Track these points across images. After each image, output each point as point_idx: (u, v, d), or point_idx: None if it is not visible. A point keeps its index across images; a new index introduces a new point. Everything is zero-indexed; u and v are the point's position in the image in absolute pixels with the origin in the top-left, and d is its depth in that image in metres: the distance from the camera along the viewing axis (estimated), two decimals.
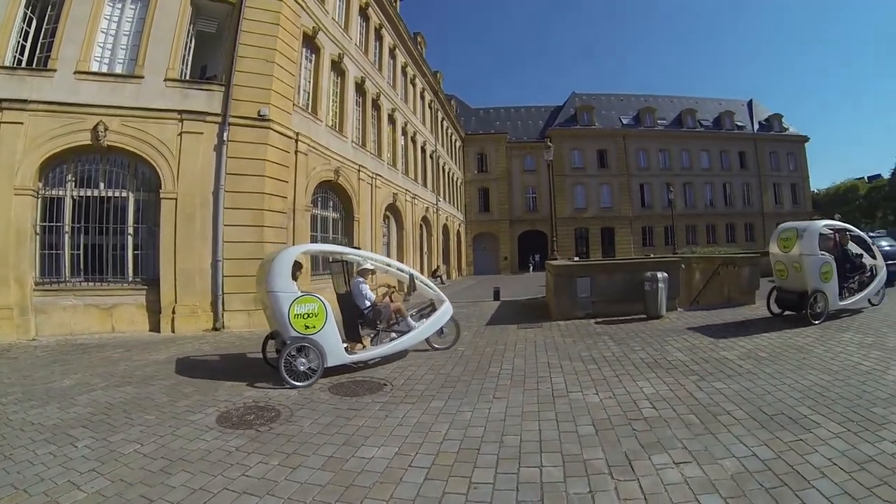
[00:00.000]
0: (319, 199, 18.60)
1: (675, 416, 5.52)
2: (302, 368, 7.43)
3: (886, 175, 78.38)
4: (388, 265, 9.94)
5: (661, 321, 12.05)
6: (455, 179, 48.91)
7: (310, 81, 18.29)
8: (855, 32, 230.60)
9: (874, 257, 12.03)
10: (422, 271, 31.78)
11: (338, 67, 20.32)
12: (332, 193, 19.87)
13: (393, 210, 26.70)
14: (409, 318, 9.30)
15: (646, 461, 4.38)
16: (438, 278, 32.65)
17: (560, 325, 12.04)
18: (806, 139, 63.82)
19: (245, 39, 14.44)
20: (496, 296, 20.20)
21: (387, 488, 4.12)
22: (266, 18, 14.81)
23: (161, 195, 13.36)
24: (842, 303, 11.05)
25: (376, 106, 25.00)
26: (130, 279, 13.39)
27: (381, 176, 23.99)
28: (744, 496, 3.80)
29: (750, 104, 65.98)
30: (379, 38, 26.76)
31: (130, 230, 13.46)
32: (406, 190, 28.95)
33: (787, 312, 11.47)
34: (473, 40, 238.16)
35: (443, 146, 43.07)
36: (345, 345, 8.17)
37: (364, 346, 8.70)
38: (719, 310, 13.33)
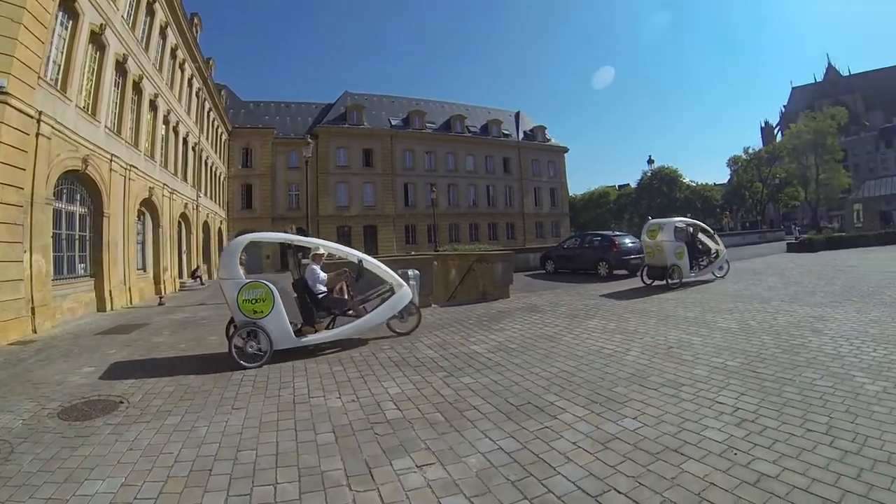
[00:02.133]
0: (64, 191, 16.26)
1: (419, 415, 5.47)
2: (251, 351, 8.24)
3: (634, 185, 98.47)
4: (338, 250, 10.41)
5: None
6: (218, 174, 46.25)
7: (62, 52, 15.84)
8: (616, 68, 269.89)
9: (718, 244, 17.69)
10: (180, 272, 29.89)
11: (98, 40, 18.19)
12: (80, 185, 17.36)
13: (149, 205, 24.55)
14: (359, 304, 9.82)
15: (387, 467, 4.31)
16: (198, 278, 31.30)
17: None
18: (566, 150, 75.55)
19: None
20: None
21: None
22: None
23: None
24: (692, 274, 16.26)
25: (138, 89, 23.05)
26: None
27: (136, 168, 21.84)
28: (489, 493, 3.76)
29: (517, 115, 75.04)
30: (151, 12, 24.84)
31: None
32: (164, 184, 26.59)
33: (655, 283, 16.09)
34: (252, 30, 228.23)
35: (207, 139, 40.58)
36: (298, 328, 8.99)
37: (317, 330, 9.27)
38: (474, 304, 14.14)
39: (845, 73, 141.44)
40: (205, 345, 10.33)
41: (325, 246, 10.21)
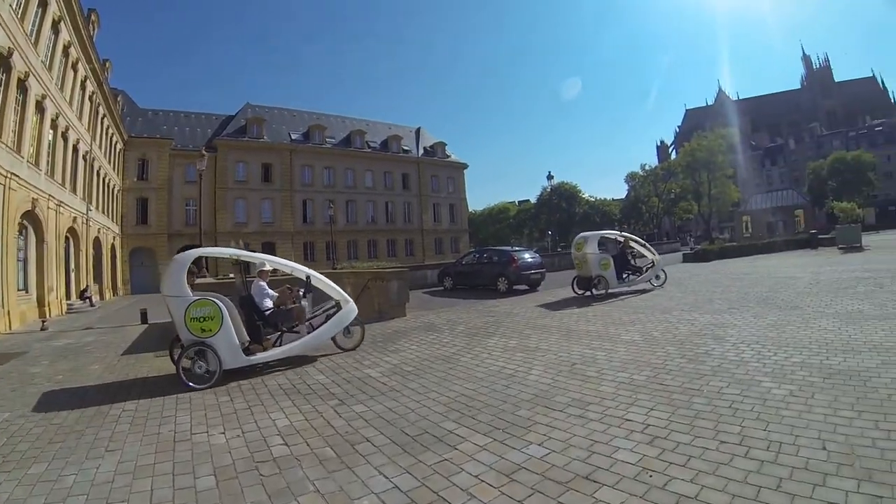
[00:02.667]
0: None
1: (308, 451, 5.02)
2: (199, 371, 8.03)
3: (534, 200, 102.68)
4: (284, 266, 10.38)
5: None
6: (112, 186, 43.52)
7: None
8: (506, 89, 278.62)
9: (653, 255, 18.57)
10: (68, 292, 27.77)
11: None
12: None
13: (32, 219, 22.53)
14: (309, 320, 9.85)
15: None
16: (87, 299, 29.15)
17: None
18: (465, 166, 77.13)
19: None
20: (144, 318, 18.48)
21: None
22: None
23: None
24: (624, 284, 17.41)
25: (23, 88, 21.23)
26: None
27: (17, 176, 19.86)
28: None
29: (418, 131, 76.26)
30: (43, 4, 23.13)
31: None
32: (50, 196, 24.43)
33: (586, 293, 16.86)
34: (154, 32, 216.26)
35: (100, 147, 38.02)
36: (245, 346, 8.79)
37: (265, 348, 9.13)
38: (370, 324, 13.53)
39: (734, 98, 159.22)
40: (84, 375, 9.67)
41: (271, 262, 10.17)
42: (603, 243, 17.88)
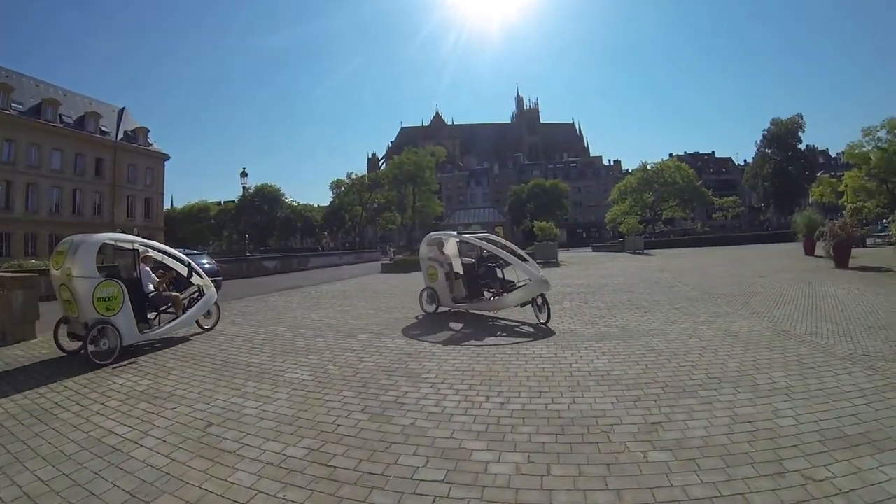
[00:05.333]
0: None
1: None
2: (104, 349, 8.52)
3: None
4: (166, 254, 11.25)
5: None
6: None
7: None
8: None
9: (536, 269, 12.43)
10: None
11: None
12: None
13: None
14: (183, 301, 10.63)
15: None
16: None
17: None
18: (166, 157, 72.13)
19: None
20: None
21: None
22: None
23: None
24: (480, 304, 12.58)
25: None
26: None
27: None
28: None
29: (122, 112, 68.89)
30: None
31: None
32: None
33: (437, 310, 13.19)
34: None
35: None
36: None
37: (151, 327, 9.88)
38: None
39: (449, 122, 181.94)
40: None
41: (154, 249, 10.94)
42: (459, 248, 13.96)
